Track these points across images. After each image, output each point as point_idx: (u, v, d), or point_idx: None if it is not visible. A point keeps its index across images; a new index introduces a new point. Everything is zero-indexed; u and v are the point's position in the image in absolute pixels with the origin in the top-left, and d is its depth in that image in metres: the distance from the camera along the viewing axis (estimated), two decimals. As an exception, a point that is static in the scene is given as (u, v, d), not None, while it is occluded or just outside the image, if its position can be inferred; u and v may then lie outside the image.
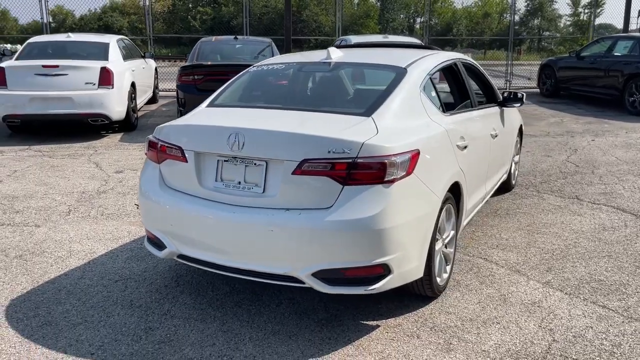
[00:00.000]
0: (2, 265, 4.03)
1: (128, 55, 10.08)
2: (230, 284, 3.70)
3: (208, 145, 3.14)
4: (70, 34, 9.87)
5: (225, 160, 3.10)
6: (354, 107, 3.28)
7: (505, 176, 5.50)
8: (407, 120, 3.27)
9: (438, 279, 3.46)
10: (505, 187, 5.83)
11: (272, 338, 3.07)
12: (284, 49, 13.37)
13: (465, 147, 3.76)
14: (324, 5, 43.91)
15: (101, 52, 9.22)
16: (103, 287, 3.71)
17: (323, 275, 2.90)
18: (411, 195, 2.99)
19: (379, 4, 49.72)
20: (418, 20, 52.85)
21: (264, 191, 2.99)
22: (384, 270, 2.93)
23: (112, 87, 8.61)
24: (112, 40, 9.66)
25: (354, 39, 10.59)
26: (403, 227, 2.93)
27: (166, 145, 3.30)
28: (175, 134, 3.30)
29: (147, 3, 14.58)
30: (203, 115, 3.55)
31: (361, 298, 3.46)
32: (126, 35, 12.53)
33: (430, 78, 3.75)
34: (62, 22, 47.24)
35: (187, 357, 2.90)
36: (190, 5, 50.27)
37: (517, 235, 4.64)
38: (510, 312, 3.35)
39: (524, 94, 5.21)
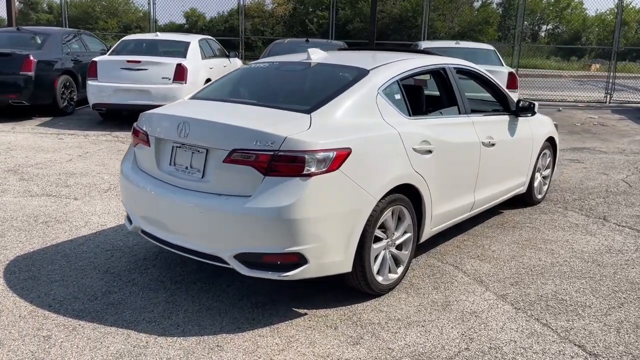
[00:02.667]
0: (27, 228, 4.68)
1: (209, 54, 10.83)
2: (199, 264, 4.02)
3: (165, 132, 3.49)
4: (158, 33, 10.83)
5: (178, 147, 3.42)
6: (303, 103, 3.45)
7: (522, 189, 5.32)
8: (351, 119, 3.38)
9: (379, 278, 3.54)
10: (524, 201, 5.62)
11: (203, 312, 3.34)
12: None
13: (429, 151, 3.77)
14: (441, 10, 43.25)
15: (181, 50, 10.03)
16: (93, 254, 4.20)
17: (244, 258, 3.13)
18: (334, 190, 3.11)
19: (500, 10, 47.95)
20: (543, 27, 50.32)
21: (202, 176, 3.28)
22: (299, 259, 3.08)
23: (185, 83, 9.35)
24: (193, 40, 10.46)
25: (424, 44, 10.55)
26: (320, 220, 3.07)
27: (140, 130, 3.70)
28: (147, 121, 3.69)
29: (241, 3, 15.47)
30: (175, 105, 3.91)
31: (311, 286, 3.62)
32: (249, 37, 13.37)
33: (398, 82, 3.81)
34: (194, 23, 50.93)
35: (124, 319, 3.26)
36: (310, 9, 51.88)
37: (507, 249, 4.51)
38: (442, 317, 3.35)
39: (536, 103, 5.01)
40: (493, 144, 4.54)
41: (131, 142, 3.94)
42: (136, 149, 3.77)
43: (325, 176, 3.08)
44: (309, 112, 3.32)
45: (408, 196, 3.67)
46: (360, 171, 3.24)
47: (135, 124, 3.84)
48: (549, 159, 5.83)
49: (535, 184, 5.63)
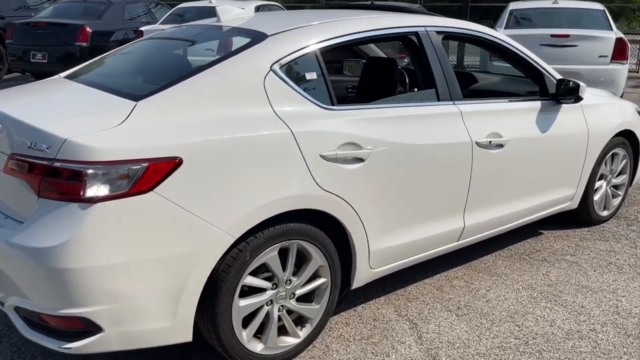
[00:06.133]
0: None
1: None
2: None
3: None
4: (212, -2, 9.99)
5: None
6: (146, 87, 2.34)
7: (568, 204, 3.76)
8: (206, 110, 2.22)
9: (257, 346, 2.40)
10: (578, 219, 4.04)
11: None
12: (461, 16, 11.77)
13: (359, 159, 2.50)
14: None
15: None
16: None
17: (24, 314, 2.15)
18: (142, 224, 2.01)
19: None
20: None
21: (-4, 191, 2.33)
22: (87, 325, 2.04)
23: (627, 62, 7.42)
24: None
25: (513, 5, 8.65)
26: (115, 270, 1.99)
27: None
28: None
29: None
30: (29, 86, 2.92)
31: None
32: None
33: (317, 54, 2.55)
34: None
35: None
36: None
37: (512, 298, 3.07)
38: None
39: (582, 84, 3.40)
40: (500, 145, 3.09)
41: None
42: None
43: (124, 202, 1.98)
44: (139, 98, 2.22)
45: (321, 225, 2.46)
46: (199, 193, 2.10)
47: None
48: (623, 162, 4.14)
49: (596, 197, 4.00)
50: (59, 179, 1.98)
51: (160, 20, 9.70)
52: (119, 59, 2.98)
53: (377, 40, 2.92)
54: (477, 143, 2.97)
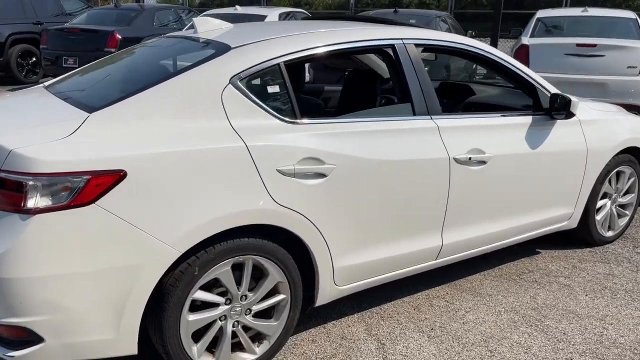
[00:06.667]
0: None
1: None
2: None
3: None
4: (237, 6, 10.10)
5: None
6: (105, 98, 2.35)
7: (565, 224, 3.60)
8: (158, 122, 2.20)
9: (210, 362, 2.37)
10: (579, 239, 3.86)
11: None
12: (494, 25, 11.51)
13: (320, 174, 2.45)
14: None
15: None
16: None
17: (-25, 321, 2.19)
18: (82, 236, 2.01)
19: None
20: None
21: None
22: (28, 334, 2.06)
23: None
24: None
25: (541, 13, 8.39)
26: (55, 281, 2.00)
27: None
28: None
29: None
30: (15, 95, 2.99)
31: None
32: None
33: (280, 66, 2.51)
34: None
35: None
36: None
37: (491, 321, 2.95)
38: None
39: (574, 100, 3.24)
40: (483, 161, 2.98)
41: None
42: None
43: (64, 214, 1.99)
44: (92, 110, 2.23)
45: (283, 241, 2.43)
46: (145, 207, 2.09)
47: None
48: (631, 180, 3.93)
49: (599, 216, 3.81)
50: (3, 189, 2.00)
51: (186, 28, 9.85)
52: (96, 69, 3.02)
53: (351, 53, 2.86)
54: (455, 159, 2.87)
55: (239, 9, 9.94)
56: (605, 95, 7.06)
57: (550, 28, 8.29)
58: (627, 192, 3.97)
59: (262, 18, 9.40)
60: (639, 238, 4.08)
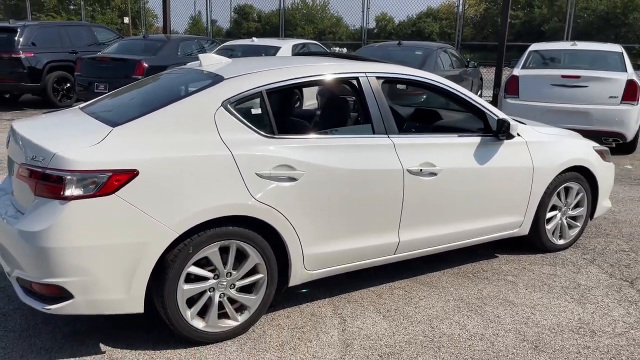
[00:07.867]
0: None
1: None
2: None
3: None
4: (254, 38, 10.94)
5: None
6: (125, 116, 3.05)
7: (516, 231, 4.17)
8: (164, 135, 2.90)
9: (199, 324, 3.01)
10: (533, 246, 4.42)
11: (16, 341, 3.14)
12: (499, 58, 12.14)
13: (291, 178, 3.10)
14: (658, 5, 37.02)
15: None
16: None
17: (22, 283, 2.88)
18: (104, 218, 2.69)
19: None
20: None
21: (13, 193, 3.11)
22: (62, 292, 2.73)
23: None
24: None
25: (535, 46, 9.01)
26: (83, 251, 2.68)
27: None
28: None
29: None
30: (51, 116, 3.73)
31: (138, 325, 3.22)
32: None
33: (263, 94, 3.19)
34: (384, 27, 51.34)
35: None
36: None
37: (439, 307, 3.53)
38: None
39: (512, 122, 3.84)
40: (434, 173, 3.60)
41: None
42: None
43: (92, 201, 2.68)
44: (115, 125, 2.94)
45: (263, 231, 3.07)
46: (151, 197, 2.77)
47: None
48: (579, 195, 4.49)
49: (549, 226, 4.37)
50: (48, 182, 2.70)
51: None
52: (122, 94, 3.74)
53: (323, 83, 3.53)
54: (408, 170, 3.50)
55: (256, 41, 10.77)
56: (589, 123, 7.62)
57: (542, 60, 8.91)
58: (577, 206, 4.53)
59: (276, 49, 10.20)
60: (589, 246, 4.62)
